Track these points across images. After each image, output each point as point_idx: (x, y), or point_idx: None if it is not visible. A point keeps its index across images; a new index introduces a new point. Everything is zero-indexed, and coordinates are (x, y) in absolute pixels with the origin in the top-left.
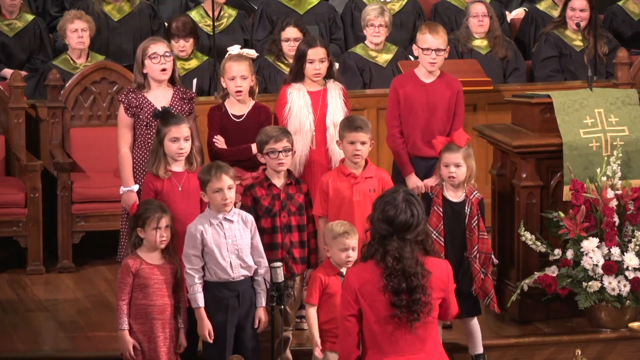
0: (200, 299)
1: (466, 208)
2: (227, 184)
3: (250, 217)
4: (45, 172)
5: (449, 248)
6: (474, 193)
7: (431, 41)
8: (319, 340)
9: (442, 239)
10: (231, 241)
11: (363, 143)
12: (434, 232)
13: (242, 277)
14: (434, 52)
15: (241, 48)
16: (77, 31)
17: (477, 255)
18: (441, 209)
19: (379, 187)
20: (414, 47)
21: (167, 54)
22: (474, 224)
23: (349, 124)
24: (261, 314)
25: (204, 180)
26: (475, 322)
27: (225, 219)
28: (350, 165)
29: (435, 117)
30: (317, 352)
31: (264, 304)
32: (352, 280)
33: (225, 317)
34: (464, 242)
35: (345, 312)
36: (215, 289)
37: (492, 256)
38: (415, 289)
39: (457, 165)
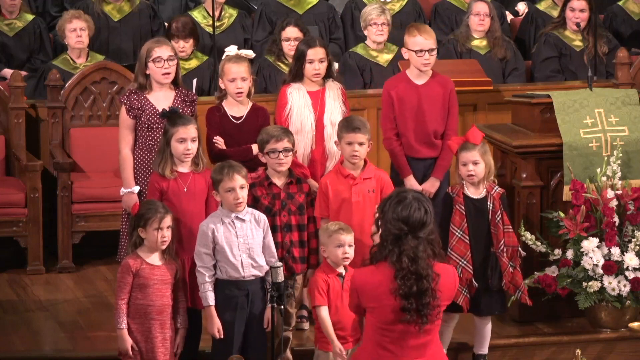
0: (210, 297)
1: (488, 203)
2: (240, 183)
3: (263, 217)
4: (45, 172)
5: (474, 245)
6: (495, 188)
7: (423, 42)
8: (337, 342)
9: (467, 237)
10: (242, 240)
11: (361, 144)
12: (458, 231)
13: (253, 277)
14: (427, 52)
15: (239, 49)
16: (75, 30)
17: (504, 249)
18: (463, 207)
19: (377, 188)
20: (403, 50)
21: (171, 58)
22: (498, 219)
23: (347, 125)
24: (270, 314)
25: (217, 179)
26: (489, 323)
27: (237, 217)
28: (349, 166)
29: (428, 118)
30: (339, 353)
31: None
32: (357, 283)
33: (234, 316)
34: (489, 238)
35: (353, 308)
36: (225, 287)
37: (519, 249)
38: (425, 292)
39: (475, 163)
